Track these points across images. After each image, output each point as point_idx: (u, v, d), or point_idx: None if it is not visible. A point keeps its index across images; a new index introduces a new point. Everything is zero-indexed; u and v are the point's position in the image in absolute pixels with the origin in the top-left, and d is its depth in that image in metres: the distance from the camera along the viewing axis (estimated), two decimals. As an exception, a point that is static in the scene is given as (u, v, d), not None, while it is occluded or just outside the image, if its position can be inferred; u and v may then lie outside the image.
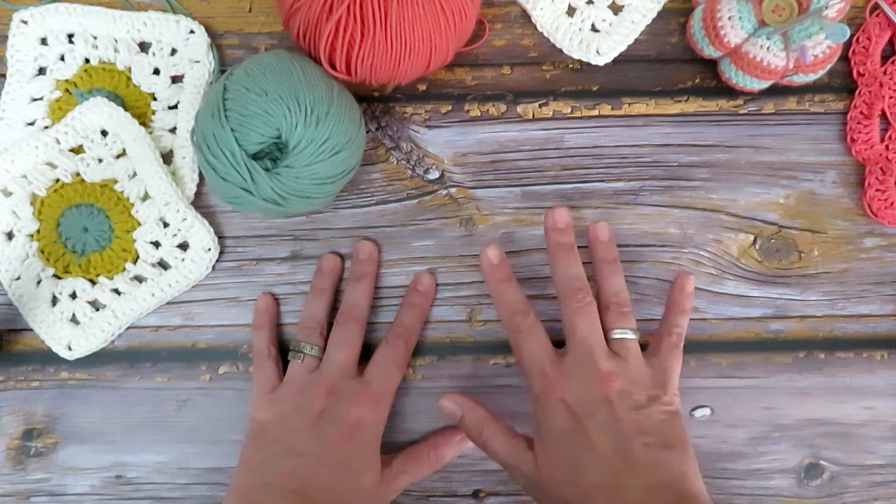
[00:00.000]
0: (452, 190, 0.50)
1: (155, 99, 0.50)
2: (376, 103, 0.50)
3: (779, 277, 0.49)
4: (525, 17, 0.50)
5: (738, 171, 0.50)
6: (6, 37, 0.50)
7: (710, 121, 0.50)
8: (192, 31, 0.49)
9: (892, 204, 0.48)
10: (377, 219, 0.50)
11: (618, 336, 0.44)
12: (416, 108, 0.50)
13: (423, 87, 0.50)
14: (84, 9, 0.49)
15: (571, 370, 0.43)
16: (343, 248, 0.50)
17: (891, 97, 0.49)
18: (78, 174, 0.49)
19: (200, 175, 0.49)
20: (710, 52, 0.47)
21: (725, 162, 0.50)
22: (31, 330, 0.49)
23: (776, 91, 0.49)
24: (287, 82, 0.42)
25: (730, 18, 0.45)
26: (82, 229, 0.49)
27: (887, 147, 0.49)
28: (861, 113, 0.49)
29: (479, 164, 0.50)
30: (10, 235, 0.49)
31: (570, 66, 0.50)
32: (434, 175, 0.50)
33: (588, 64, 0.50)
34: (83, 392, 0.49)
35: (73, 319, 0.49)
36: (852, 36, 0.49)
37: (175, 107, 0.49)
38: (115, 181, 0.49)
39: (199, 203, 0.50)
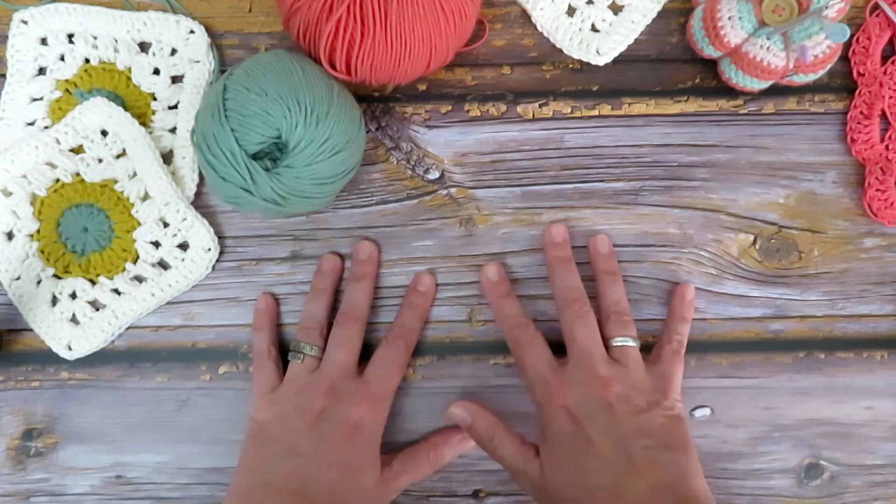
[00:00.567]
0: (452, 190, 0.50)
1: (155, 99, 0.50)
2: (376, 103, 0.50)
3: (779, 277, 0.49)
4: (525, 17, 0.50)
5: (738, 171, 0.50)
6: (6, 37, 0.50)
7: (710, 121, 0.50)
8: (192, 31, 0.49)
9: (892, 204, 0.48)
10: (377, 219, 0.50)
11: (618, 344, 0.45)
12: (416, 108, 0.50)
13: (423, 87, 0.50)
14: (84, 9, 0.49)
15: (572, 377, 0.44)
16: (343, 248, 0.50)
17: (891, 97, 0.49)
18: (78, 174, 0.49)
19: (200, 175, 0.49)
20: (710, 52, 0.47)
21: (725, 162, 0.50)
22: (31, 330, 0.49)
23: (776, 91, 0.49)
24: (287, 82, 0.42)
25: (730, 18, 0.45)
26: (82, 229, 0.49)
27: (887, 147, 0.49)
28: (861, 113, 0.49)
29: (479, 164, 0.50)
30: (10, 235, 0.49)
31: (570, 66, 0.50)
32: (434, 175, 0.50)
33: (588, 64, 0.50)
34: (83, 392, 0.49)
35: (73, 319, 0.49)
36: (852, 36, 0.49)
37: (175, 107, 0.49)
38: (115, 181, 0.49)
39: (199, 203, 0.50)
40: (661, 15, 0.50)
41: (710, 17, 0.46)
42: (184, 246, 0.49)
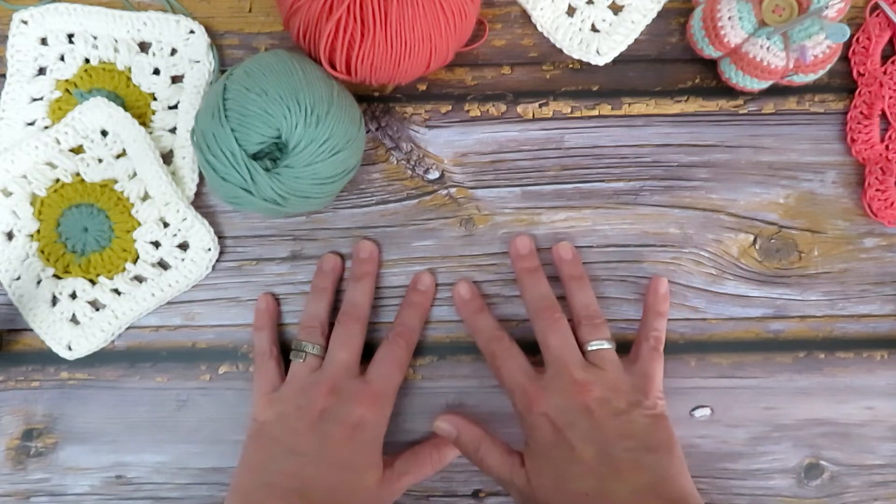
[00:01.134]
0: (452, 190, 0.50)
1: (155, 99, 0.50)
2: (376, 103, 0.50)
3: (779, 277, 0.49)
4: (525, 17, 0.50)
5: (738, 171, 0.50)
6: (6, 37, 0.50)
7: (710, 121, 0.50)
8: (192, 31, 0.49)
9: (892, 204, 0.49)
10: (377, 219, 0.50)
11: (594, 348, 0.45)
12: (416, 108, 0.50)
13: (423, 87, 0.50)
14: (84, 9, 0.49)
15: (550, 384, 0.44)
16: (343, 248, 0.50)
17: (891, 97, 0.49)
18: (78, 174, 0.49)
19: (200, 175, 0.49)
20: (710, 52, 0.47)
21: (725, 162, 0.50)
22: (31, 330, 0.49)
23: (776, 91, 0.49)
24: (287, 82, 0.42)
25: (730, 18, 0.45)
26: (82, 229, 0.49)
27: (887, 147, 0.49)
28: (861, 113, 0.49)
29: (479, 164, 0.50)
30: (10, 235, 0.49)
31: (570, 66, 0.50)
32: (434, 175, 0.50)
33: (588, 64, 0.50)
34: (83, 392, 0.49)
35: (73, 319, 0.49)
36: (852, 36, 0.49)
37: (175, 107, 0.49)
38: (115, 181, 0.49)
39: (199, 203, 0.50)
40: (661, 15, 0.50)
41: (710, 17, 0.46)
42: (184, 246, 0.49)
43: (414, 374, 0.49)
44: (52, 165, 0.48)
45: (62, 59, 0.50)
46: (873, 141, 0.49)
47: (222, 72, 0.50)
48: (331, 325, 0.48)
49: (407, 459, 0.47)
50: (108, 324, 0.49)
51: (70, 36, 0.50)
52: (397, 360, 0.47)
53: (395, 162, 0.50)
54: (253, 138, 0.42)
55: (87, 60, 0.50)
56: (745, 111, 0.50)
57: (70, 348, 0.49)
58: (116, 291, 0.49)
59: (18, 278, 0.49)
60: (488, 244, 0.49)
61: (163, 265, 0.49)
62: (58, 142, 0.48)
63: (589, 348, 0.45)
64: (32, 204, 0.49)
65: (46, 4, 0.49)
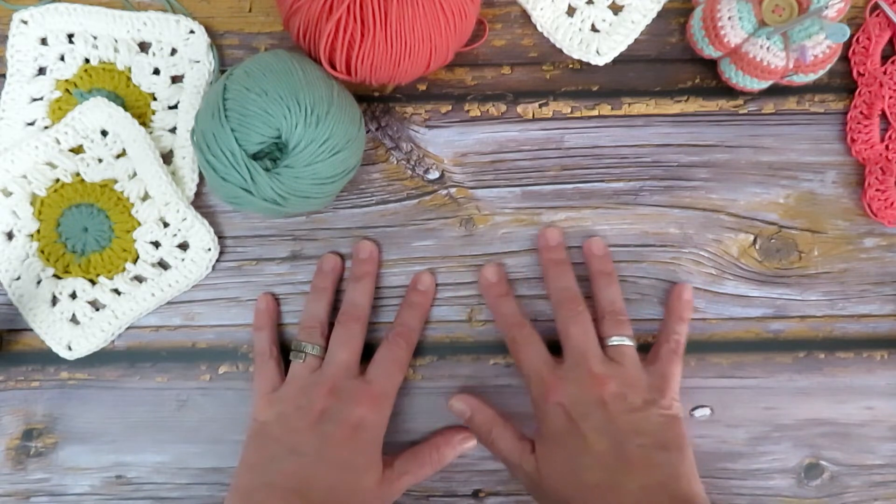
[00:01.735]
0: (452, 190, 0.50)
1: (155, 99, 0.50)
2: (376, 103, 0.50)
3: (779, 277, 0.49)
4: (525, 17, 0.50)
5: (738, 171, 0.50)
6: (6, 37, 0.50)
7: (710, 121, 0.50)
8: (192, 31, 0.49)
9: (892, 204, 0.48)
10: (377, 219, 0.50)
11: (614, 343, 0.45)
12: (416, 108, 0.50)
13: (423, 87, 0.50)
14: (84, 9, 0.49)
15: (568, 375, 0.44)
16: (343, 248, 0.50)
17: (891, 97, 0.49)
18: (78, 174, 0.49)
19: (200, 175, 0.49)
20: (710, 52, 0.47)
21: (725, 162, 0.50)
22: (31, 330, 0.49)
23: (776, 91, 0.49)
24: (287, 82, 0.42)
25: (730, 18, 0.45)
26: (82, 229, 0.49)
27: (887, 147, 0.49)
28: (861, 113, 0.49)
29: (479, 164, 0.50)
30: (10, 235, 0.49)
31: (570, 66, 0.50)
32: (434, 175, 0.50)
33: (588, 64, 0.50)
34: (83, 392, 0.49)
35: (73, 319, 0.49)
36: (852, 36, 0.49)
37: (175, 107, 0.49)
38: (115, 181, 0.49)
39: (199, 203, 0.50)
40: (661, 15, 0.50)
41: (710, 17, 0.46)
42: (184, 246, 0.49)
43: (414, 374, 0.49)
44: (52, 165, 0.48)
45: (62, 59, 0.50)
46: (873, 141, 0.49)
47: (222, 72, 0.50)
48: (331, 325, 0.48)
49: (407, 459, 0.47)
50: (108, 324, 0.49)
51: (70, 36, 0.50)
52: (397, 360, 0.47)
53: (395, 162, 0.50)
54: (253, 138, 0.42)
55: (87, 60, 0.50)
56: (745, 111, 0.50)
57: (70, 348, 0.49)
58: (116, 291, 0.49)
59: (18, 278, 0.49)
60: (488, 244, 0.49)
61: (163, 265, 0.49)
62: (58, 142, 0.48)
63: (609, 343, 0.45)
64: (32, 204, 0.49)
65: (46, 4, 0.49)
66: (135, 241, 0.49)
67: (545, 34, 0.50)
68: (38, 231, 0.49)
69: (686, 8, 0.49)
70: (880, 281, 0.49)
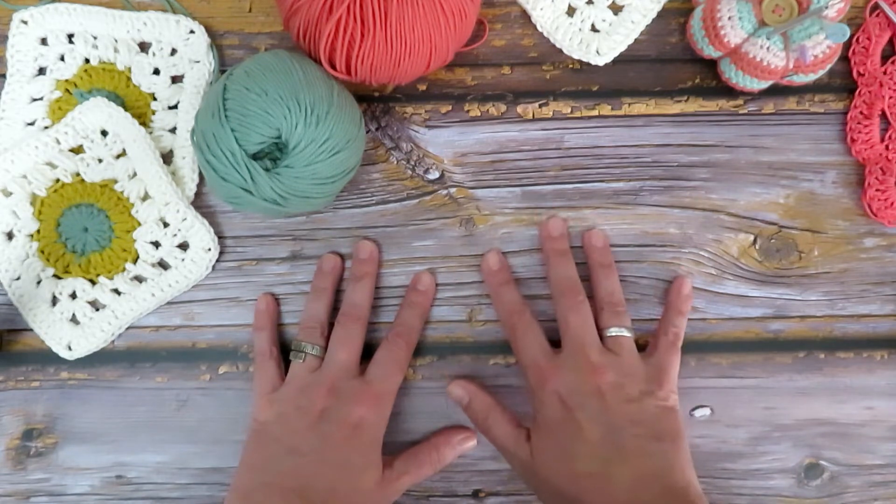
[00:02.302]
0: (452, 190, 0.50)
1: (155, 99, 0.50)
2: (376, 103, 0.50)
3: (779, 277, 0.49)
4: (525, 17, 0.50)
5: (738, 171, 0.50)
6: (6, 37, 0.50)
7: (710, 121, 0.50)
8: (192, 31, 0.49)
9: (892, 204, 0.48)
10: (377, 219, 0.50)
11: (613, 334, 0.46)
12: (416, 108, 0.50)
13: (423, 87, 0.50)
14: (84, 9, 0.49)
15: (565, 363, 0.44)
16: (343, 248, 0.50)
17: (891, 97, 0.49)
18: (78, 174, 0.49)
19: (200, 175, 0.49)
20: (710, 52, 0.47)
21: (725, 162, 0.50)
22: (31, 330, 0.49)
23: (776, 91, 0.49)
24: (287, 82, 0.42)
25: (730, 18, 0.45)
26: (82, 229, 0.49)
27: (887, 147, 0.49)
28: (861, 113, 0.49)
29: (479, 164, 0.50)
30: (10, 235, 0.49)
31: (570, 66, 0.50)
32: (434, 175, 0.50)
33: (588, 64, 0.50)
34: (83, 392, 0.49)
35: (73, 319, 0.49)
36: (852, 36, 0.49)
37: (175, 107, 0.49)
38: (115, 181, 0.49)
39: (199, 203, 0.50)
40: (661, 15, 0.50)
41: (710, 17, 0.46)
42: (184, 246, 0.49)
43: (414, 374, 0.49)
44: (52, 165, 0.48)
45: (62, 59, 0.50)
46: (873, 141, 0.49)
47: (222, 72, 0.50)
48: (331, 325, 0.48)
49: (406, 459, 0.47)
50: (108, 324, 0.49)
51: (70, 36, 0.50)
52: (397, 360, 0.47)
53: (395, 162, 0.50)
54: (253, 138, 0.42)
55: (87, 60, 0.50)
56: (745, 111, 0.50)
57: (70, 348, 0.49)
58: (116, 291, 0.49)
59: (18, 278, 0.49)
60: (488, 244, 0.49)
61: (163, 265, 0.49)
62: (58, 142, 0.48)
63: (608, 334, 0.46)
64: (32, 204, 0.49)
65: (46, 4, 0.49)
66: (135, 241, 0.49)
67: (545, 34, 0.50)
68: (38, 231, 0.49)
69: (686, 8, 0.49)
70: (880, 281, 0.49)
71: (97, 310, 0.49)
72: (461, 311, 0.49)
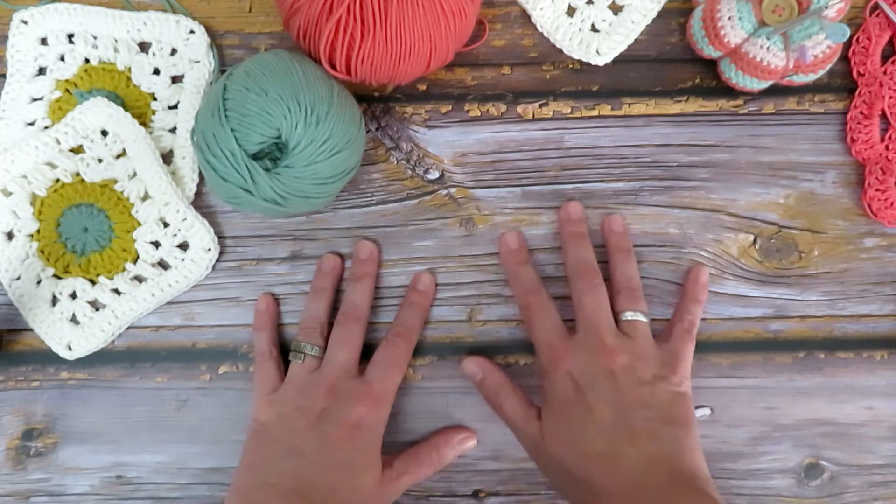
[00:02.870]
0: (452, 190, 0.50)
1: (155, 99, 0.50)
2: (376, 103, 0.50)
3: (779, 277, 0.49)
4: (525, 17, 0.50)
5: (738, 171, 0.50)
6: (6, 37, 0.50)
7: (710, 121, 0.50)
8: (192, 31, 0.49)
9: (892, 204, 0.48)
10: (377, 219, 0.50)
11: (628, 318, 0.46)
12: (416, 108, 0.50)
13: (423, 87, 0.50)
14: (84, 9, 0.49)
15: (579, 344, 0.45)
16: (343, 248, 0.50)
17: (891, 97, 0.49)
18: (78, 174, 0.49)
19: (200, 175, 0.49)
20: (710, 52, 0.47)
21: (725, 162, 0.50)
22: (31, 330, 0.49)
23: (776, 91, 0.49)
24: (287, 82, 0.42)
25: (730, 18, 0.45)
26: (82, 229, 0.49)
27: (887, 147, 0.49)
28: (861, 113, 0.49)
29: (479, 164, 0.50)
30: (10, 235, 0.49)
31: (570, 66, 0.50)
32: (434, 175, 0.50)
33: (588, 64, 0.50)
34: (83, 392, 0.49)
35: (73, 319, 0.49)
36: (852, 36, 0.49)
37: (175, 107, 0.49)
38: (115, 181, 0.49)
39: (199, 203, 0.50)
40: (661, 15, 0.50)
41: (710, 17, 0.46)
42: (184, 246, 0.49)
43: (414, 374, 0.49)
44: (52, 165, 0.48)
45: (62, 59, 0.50)
46: (873, 141, 0.49)
47: (222, 72, 0.50)
48: (331, 325, 0.48)
49: (406, 459, 0.47)
50: (108, 324, 0.49)
51: (70, 36, 0.50)
52: (396, 360, 0.47)
53: (395, 162, 0.50)
54: (253, 138, 0.42)
55: (87, 60, 0.50)
56: (745, 111, 0.50)
57: (70, 348, 0.49)
58: (116, 291, 0.49)
59: (18, 278, 0.49)
60: (488, 244, 0.49)
61: (163, 265, 0.49)
62: (58, 142, 0.48)
63: (623, 318, 0.46)
64: (32, 204, 0.49)
65: (46, 4, 0.49)
66: (135, 241, 0.49)
67: (545, 34, 0.50)
68: (38, 231, 0.49)
69: (686, 8, 0.49)
70: (880, 281, 0.49)
71: (97, 310, 0.49)
72: (461, 311, 0.49)
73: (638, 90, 0.50)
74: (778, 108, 0.50)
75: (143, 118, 0.49)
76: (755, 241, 0.49)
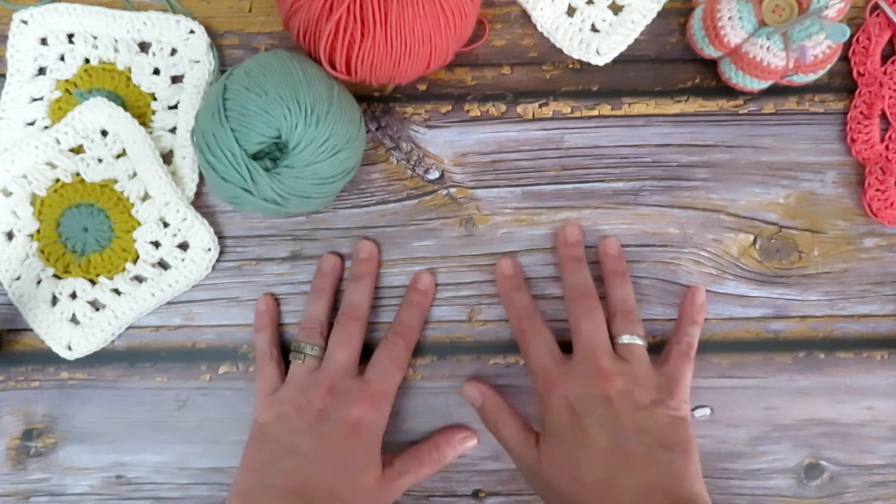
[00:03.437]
0: (452, 190, 0.50)
1: (155, 99, 0.50)
2: (376, 103, 0.50)
3: (779, 277, 0.49)
4: (525, 17, 0.50)
5: (738, 171, 0.50)
6: (6, 37, 0.50)
7: (710, 121, 0.50)
8: (192, 31, 0.49)
9: (892, 204, 0.48)
10: (377, 219, 0.50)
11: (625, 341, 0.45)
12: (416, 108, 0.50)
13: (423, 87, 0.50)
14: (84, 9, 0.49)
15: (575, 369, 0.44)
16: (343, 248, 0.50)
17: (891, 97, 0.49)
18: (78, 174, 0.49)
19: (200, 175, 0.49)
20: (710, 52, 0.47)
21: (725, 162, 0.50)
22: (31, 330, 0.49)
23: (776, 91, 0.49)
24: (287, 82, 0.42)
25: (730, 18, 0.45)
26: (82, 229, 0.49)
27: (887, 147, 0.49)
28: (861, 113, 0.49)
29: (479, 164, 0.50)
30: (10, 235, 0.49)
31: (570, 66, 0.50)
32: (434, 175, 0.50)
33: (588, 64, 0.50)
34: (83, 392, 0.49)
35: (73, 319, 0.49)
36: (852, 36, 0.49)
37: (175, 107, 0.49)
38: (115, 181, 0.49)
39: (199, 203, 0.50)
40: (661, 15, 0.50)
41: (710, 17, 0.46)
42: (184, 246, 0.49)
43: (414, 374, 0.49)
44: (52, 165, 0.48)
45: (62, 59, 0.50)
46: (873, 141, 0.49)
47: (222, 72, 0.50)
48: (331, 325, 0.48)
49: (406, 458, 0.47)
50: (108, 324, 0.49)
51: (70, 36, 0.50)
52: (396, 360, 0.47)
53: (395, 162, 0.50)
54: (253, 138, 0.42)
55: (87, 60, 0.50)
56: (745, 111, 0.50)
57: (70, 348, 0.49)
58: (116, 291, 0.49)
59: (18, 278, 0.49)
60: (488, 244, 0.49)
61: (163, 265, 0.49)
62: (58, 142, 0.48)
63: (620, 341, 0.45)
64: (32, 204, 0.49)
65: (46, 4, 0.49)
66: (135, 241, 0.49)
67: (545, 34, 0.50)
68: (38, 231, 0.49)
69: (686, 8, 0.49)
70: (880, 281, 0.49)
71: (97, 310, 0.49)
72: (461, 311, 0.49)
73: (638, 90, 0.50)
74: (778, 108, 0.50)
75: (143, 118, 0.49)
76: (755, 241, 0.49)
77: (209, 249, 0.49)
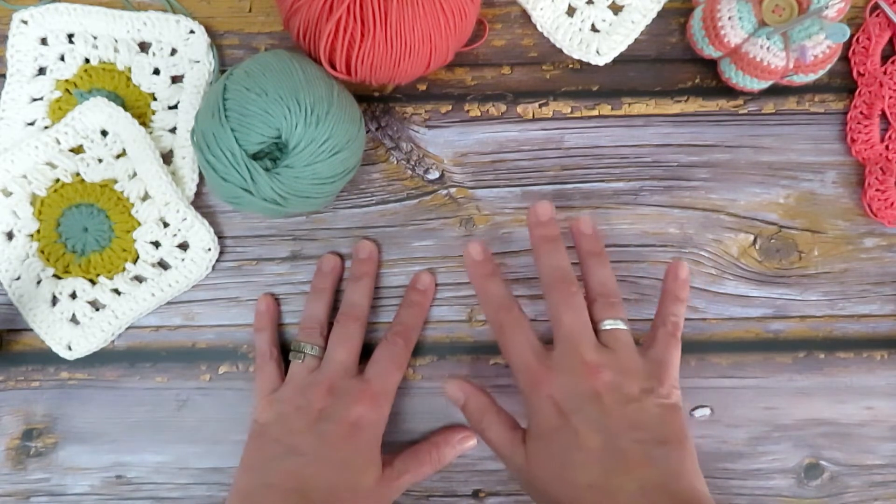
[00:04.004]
0: (452, 190, 0.50)
1: (155, 99, 0.50)
2: (376, 103, 0.50)
3: (779, 277, 0.49)
4: (525, 17, 0.50)
5: (738, 171, 0.50)
6: (6, 37, 0.50)
7: (710, 121, 0.50)
8: (192, 31, 0.49)
9: (892, 204, 0.48)
10: (377, 219, 0.50)
11: (607, 327, 0.43)
12: (416, 108, 0.50)
13: (423, 87, 0.50)
14: (84, 9, 0.49)
15: (558, 364, 0.42)
16: (343, 248, 0.50)
17: (891, 97, 0.49)
18: (78, 174, 0.49)
19: (200, 175, 0.49)
20: (710, 52, 0.47)
21: (725, 162, 0.50)
22: (31, 330, 0.49)
23: (776, 91, 0.49)
24: (287, 82, 0.42)
25: (730, 18, 0.45)
26: (82, 229, 0.49)
27: (887, 147, 0.49)
28: (861, 113, 0.49)
29: (479, 164, 0.50)
30: (10, 235, 0.49)
31: (570, 66, 0.50)
32: (434, 175, 0.50)
33: (588, 64, 0.50)
34: (83, 392, 0.49)
35: (73, 319, 0.49)
36: (852, 36, 0.49)
37: (175, 107, 0.49)
38: (115, 181, 0.49)
39: (199, 203, 0.50)
40: (661, 15, 0.50)
41: (710, 17, 0.46)
42: (184, 246, 0.49)
43: (414, 374, 0.49)
44: (52, 165, 0.48)
45: (62, 59, 0.50)
46: (873, 141, 0.49)
47: (222, 72, 0.50)
48: (331, 325, 0.48)
49: (406, 458, 0.47)
50: (108, 324, 0.49)
51: (70, 36, 0.50)
52: (395, 359, 0.47)
53: (395, 162, 0.50)
54: (253, 138, 0.42)
55: (87, 60, 0.50)
56: (745, 111, 0.50)
57: (70, 348, 0.49)
58: (116, 291, 0.49)
59: (18, 278, 0.49)
60: (488, 244, 0.49)
61: (163, 265, 0.49)
62: (58, 142, 0.48)
63: (602, 327, 0.43)
64: (32, 204, 0.49)
65: (46, 4, 0.49)
66: (135, 241, 0.49)
67: (545, 34, 0.50)
68: (38, 231, 0.49)
69: (686, 8, 0.49)
70: (880, 281, 0.49)
71: (97, 310, 0.49)
72: (461, 311, 0.49)
73: (638, 90, 0.50)
74: (778, 108, 0.50)
75: (143, 118, 0.49)
76: (755, 241, 0.49)
77: (209, 249, 0.49)
